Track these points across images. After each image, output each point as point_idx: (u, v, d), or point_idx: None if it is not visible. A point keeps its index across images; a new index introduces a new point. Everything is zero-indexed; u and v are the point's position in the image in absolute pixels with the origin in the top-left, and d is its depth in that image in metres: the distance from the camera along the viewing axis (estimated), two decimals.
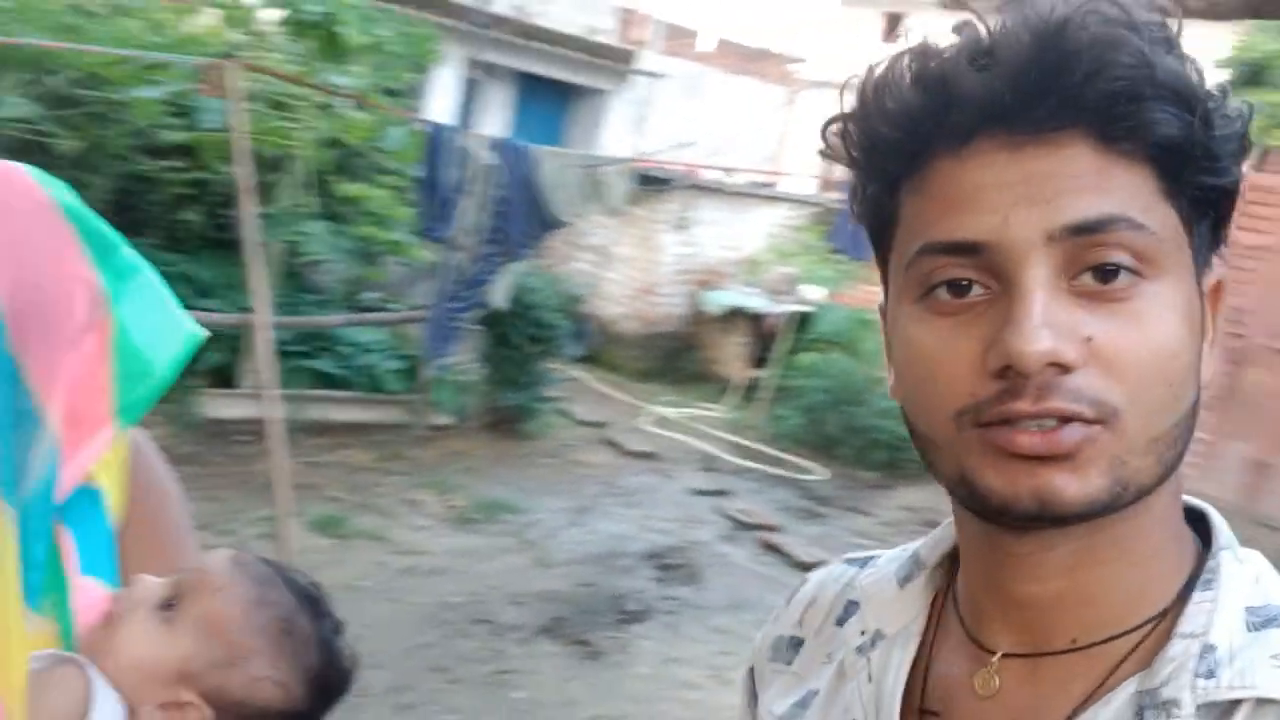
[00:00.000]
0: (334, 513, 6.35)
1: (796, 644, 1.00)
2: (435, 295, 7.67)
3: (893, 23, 21.47)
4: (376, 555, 6.00)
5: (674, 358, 12.11)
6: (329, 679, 1.15)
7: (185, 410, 7.38)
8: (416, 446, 8.01)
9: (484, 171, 7.09)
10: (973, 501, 0.74)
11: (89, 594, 1.10)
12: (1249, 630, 0.74)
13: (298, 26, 7.49)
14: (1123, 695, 0.75)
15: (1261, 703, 0.71)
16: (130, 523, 1.17)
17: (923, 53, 0.73)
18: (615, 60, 14.70)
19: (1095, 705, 0.75)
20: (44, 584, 0.99)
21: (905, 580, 0.93)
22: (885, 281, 0.80)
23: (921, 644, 0.89)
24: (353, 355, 8.46)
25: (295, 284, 8.97)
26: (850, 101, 0.77)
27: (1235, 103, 0.74)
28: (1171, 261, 0.71)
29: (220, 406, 7.56)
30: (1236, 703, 0.71)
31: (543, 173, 6.99)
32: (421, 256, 8.33)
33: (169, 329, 1.10)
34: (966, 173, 0.71)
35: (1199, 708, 0.72)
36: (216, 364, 7.93)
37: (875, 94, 0.74)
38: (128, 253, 1.09)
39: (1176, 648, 0.74)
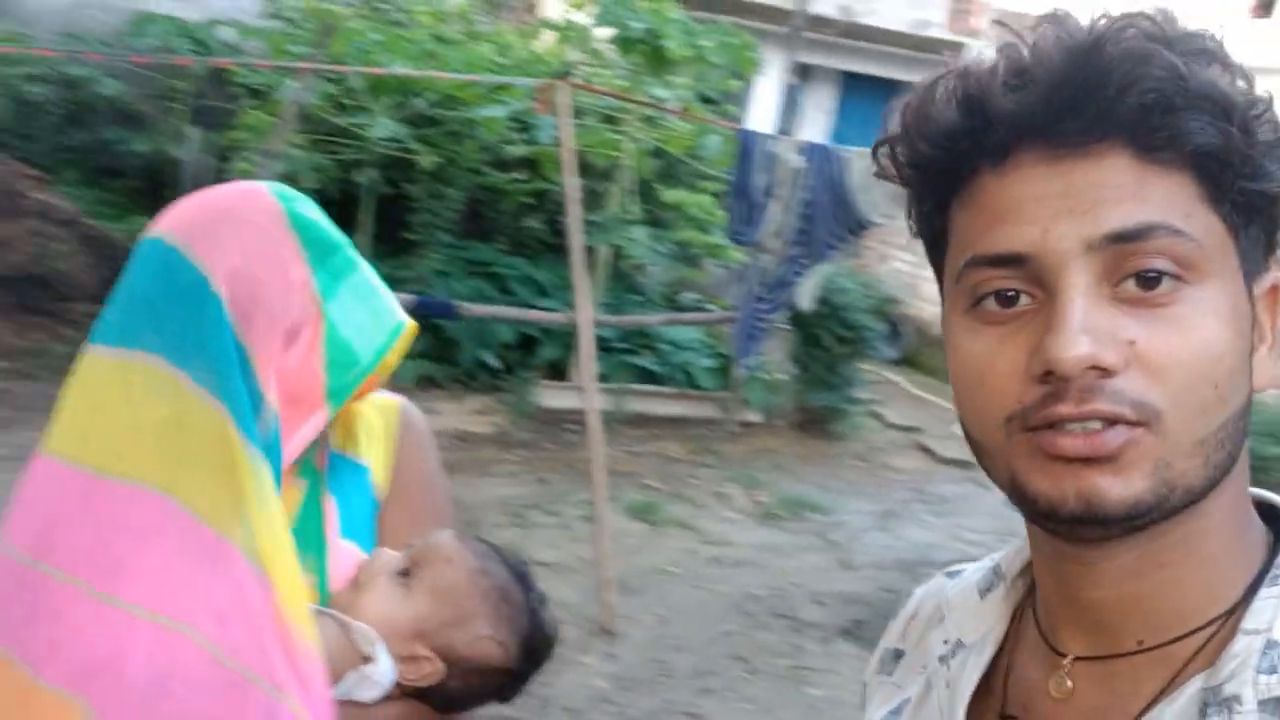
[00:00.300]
0: (648, 500, 6.66)
1: (898, 656, 1.02)
2: (743, 296, 7.83)
3: (1265, 5, 19.13)
4: (686, 543, 6.23)
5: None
6: (537, 644, 1.29)
7: (522, 400, 8.04)
8: (727, 442, 8.22)
9: (791, 175, 7.15)
10: (1023, 505, 0.74)
11: (346, 556, 1.28)
12: None
13: (625, 42, 7.93)
14: (1188, 693, 0.74)
15: None
16: (392, 497, 1.34)
17: (962, 74, 0.75)
18: (945, 53, 14.22)
19: (1162, 704, 0.75)
20: (300, 543, 1.16)
21: (986, 591, 0.95)
22: (942, 295, 0.81)
23: (1001, 651, 0.90)
24: (671, 353, 8.82)
25: (622, 285, 9.49)
26: (894, 123, 0.79)
27: None
28: (1215, 266, 0.71)
29: (553, 397, 8.14)
30: None
31: (851, 174, 6.92)
32: (738, 259, 8.53)
33: (375, 322, 1.22)
34: (1008, 187, 0.73)
35: (1261, 703, 0.70)
36: (551, 358, 8.58)
37: (917, 116, 0.76)
38: (347, 254, 1.22)
39: (1240, 644, 0.72)
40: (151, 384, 1.09)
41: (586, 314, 5.32)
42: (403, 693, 1.22)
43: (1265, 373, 0.77)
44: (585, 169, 9.04)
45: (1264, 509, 0.84)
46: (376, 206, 8.61)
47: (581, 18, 8.64)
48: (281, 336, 1.13)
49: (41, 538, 1.07)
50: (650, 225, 8.97)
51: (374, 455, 1.35)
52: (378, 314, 1.24)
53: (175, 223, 1.18)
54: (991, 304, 0.74)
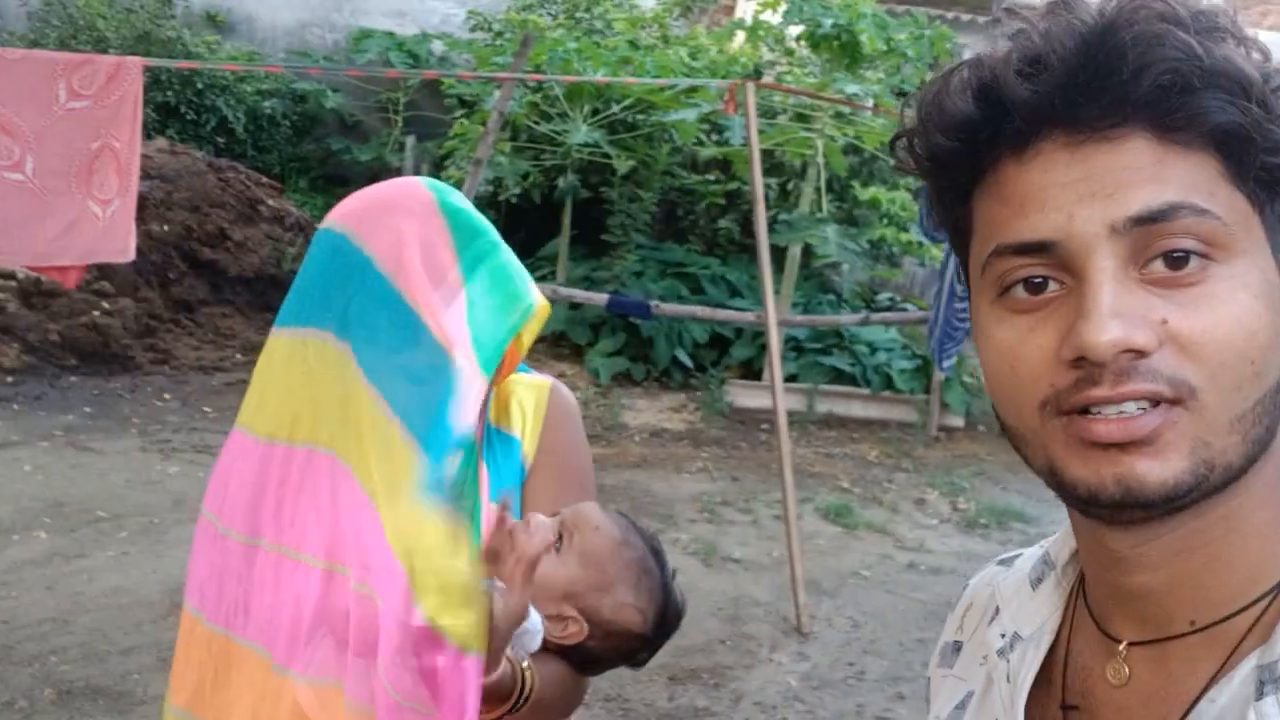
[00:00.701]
0: (842, 502, 6.59)
1: (958, 648, 1.00)
2: (938, 296, 7.61)
3: None
4: (880, 548, 6.12)
5: None
6: (669, 616, 1.37)
7: (715, 398, 8.11)
8: (925, 446, 8.01)
9: None
10: (1063, 492, 0.73)
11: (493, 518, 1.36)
12: None
13: (816, 39, 7.85)
14: (1244, 671, 0.71)
15: None
16: (538, 467, 1.43)
17: (975, 64, 0.73)
18: None
19: (1219, 684, 0.72)
20: (461, 495, 1.22)
21: (1037, 581, 0.92)
22: (969, 284, 0.79)
23: (1057, 641, 0.87)
24: (866, 354, 8.67)
25: (814, 285, 9.42)
26: (911, 116, 0.78)
27: None
28: (1242, 244, 0.69)
29: (745, 396, 8.17)
30: None
31: None
32: (936, 256, 8.30)
33: (509, 303, 1.29)
34: (1029, 174, 0.72)
35: None
36: (744, 358, 8.61)
37: (933, 108, 0.76)
38: (490, 239, 1.32)
39: None
40: (322, 357, 1.27)
41: (773, 313, 5.32)
42: (545, 649, 1.28)
43: None
44: (778, 168, 9.04)
45: None
46: (575, 210, 8.89)
47: (773, 17, 8.63)
48: (439, 304, 1.25)
49: (226, 503, 1.30)
50: (845, 223, 8.85)
51: (524, 430, 1.45)
52: (511, 296, 1.30)
53: (342, 214, 1.33)
54: (1020, 292, 0.73)
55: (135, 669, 3.93)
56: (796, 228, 7.91)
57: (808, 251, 8.63)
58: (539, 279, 9.02)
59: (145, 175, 8.24)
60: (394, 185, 1.37)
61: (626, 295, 7.37)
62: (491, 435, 1.42)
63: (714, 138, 8.59)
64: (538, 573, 1.21)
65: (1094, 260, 0.69)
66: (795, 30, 8.41)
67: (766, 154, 7.60)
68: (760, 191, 5.02)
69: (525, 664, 1.24)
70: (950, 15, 10.97)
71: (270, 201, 9.29)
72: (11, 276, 7.39)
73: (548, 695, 1.27)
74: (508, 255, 1.34)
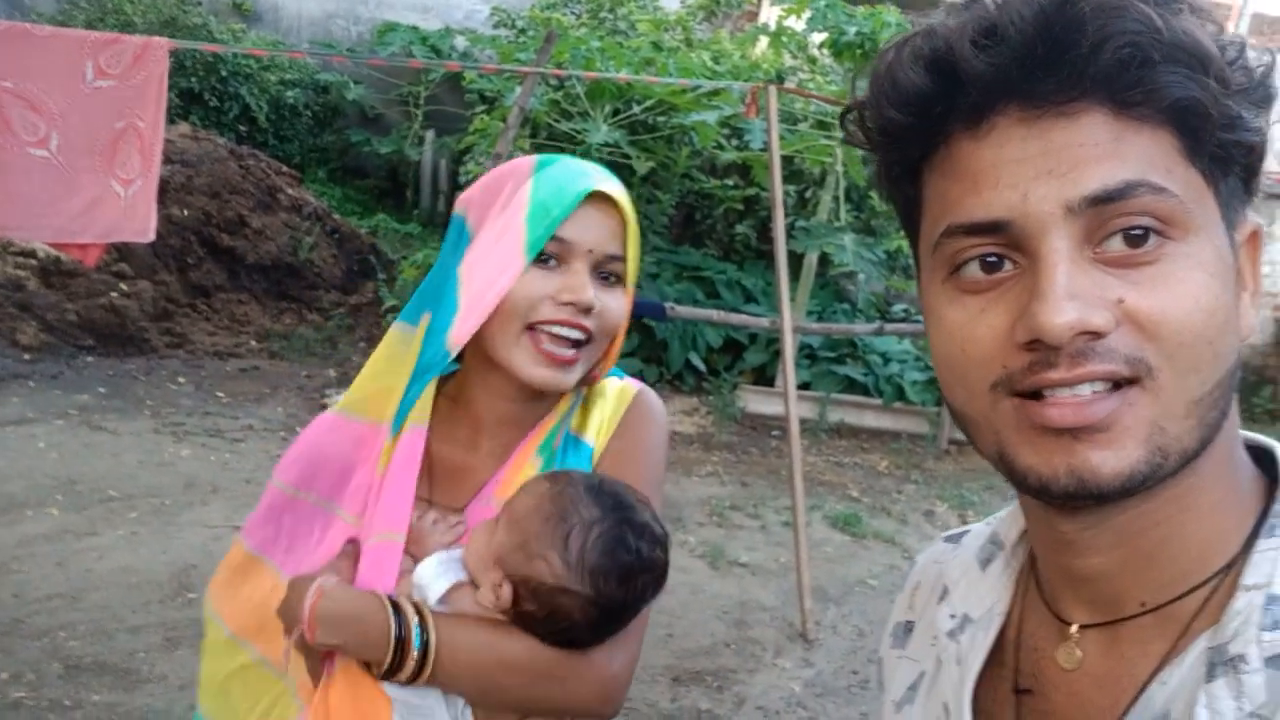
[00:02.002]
0: (851, 511, 6.57)
1: (909, 628, 0.99)
2: None
3: None
4: (888, 558, 6.10)
5: (1244, 393, 10.62)
6: (609, 567, 1.23)
7: (727, 403, 8.10)
8: (935, 458, 7.98)
9: None
10: (1013, 480, 0.71)
11: None
12: None
13: (839, 46, 7.85)
14: (1194, 653, 0.70)
15: None
16: (599, 466, 1.42)
17: (929, 34, 0.70)
18: None
19: (1170, 666, 0.71)
20: None
21: (986, 562, 0.91)
22: (918, 263, 0.77)
23: (1008, 623, 0.86)
24: (879, 364, 8.65)
25: (830, 293, 9.41)
26: (863, 88, 0.75)
27: (1255, 55, 0.67)
28: (1198, 220, 0.67)
29: (757, 402, 8.16)
30: None
31: None
32: None
33: (572, 182, 1.34)
34: (985, 150, 0.70)
35: (1267, 660, 0.66)
36: (757, 363, 8.61)
37: (885, 80, 0.73)
38: (574, 160, 1.39)
39: (1241, 601, 0.69)
40: (410, 342, 1.38)
41: (789, 320, 5.31)
42: (513, 624, 1.26)
43: (1247, 321, 0.73)
44: (797, 175, 9.04)
45: (1257, 453, 0.78)
46: None
47: (797, 23, 8.62)
48: (497, 208, 1.33)
49: (304, 471, 1.42)
50: (862, 233, 8.84)
51: (599, 437, 1.44)
52: (602, 176, 1.34)
53: (464, 196, 1.43)
54: (973, 271, 0.71)
55: (142, 647, 3.94)
56: (814, 235, 7.90)
57: (824, 260, 8.61)
58: None
59: (167, 159, 8.28)
60: (506, 164, 1.42)
61: (642, 297, 7.37)
62: (569, 443, 1.43)
63: (734, 142, 8.58)
64: (474, 549, 1.27)
65: (1049, 241, 0.67)
66: (818, 38, 8.40)
67: (786, 161, 7.59)
68: (779, 197, 5.01)
69: (414, 623, 1.23)
70: None
71: (289, 190, 9.32)
72: (32, 255, 7.44)
73: (503, 669, 1.25)
74: (596, 168, 1.38)
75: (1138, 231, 0.66)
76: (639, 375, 8.32)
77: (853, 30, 7.66)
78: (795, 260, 7.85)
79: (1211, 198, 0.69)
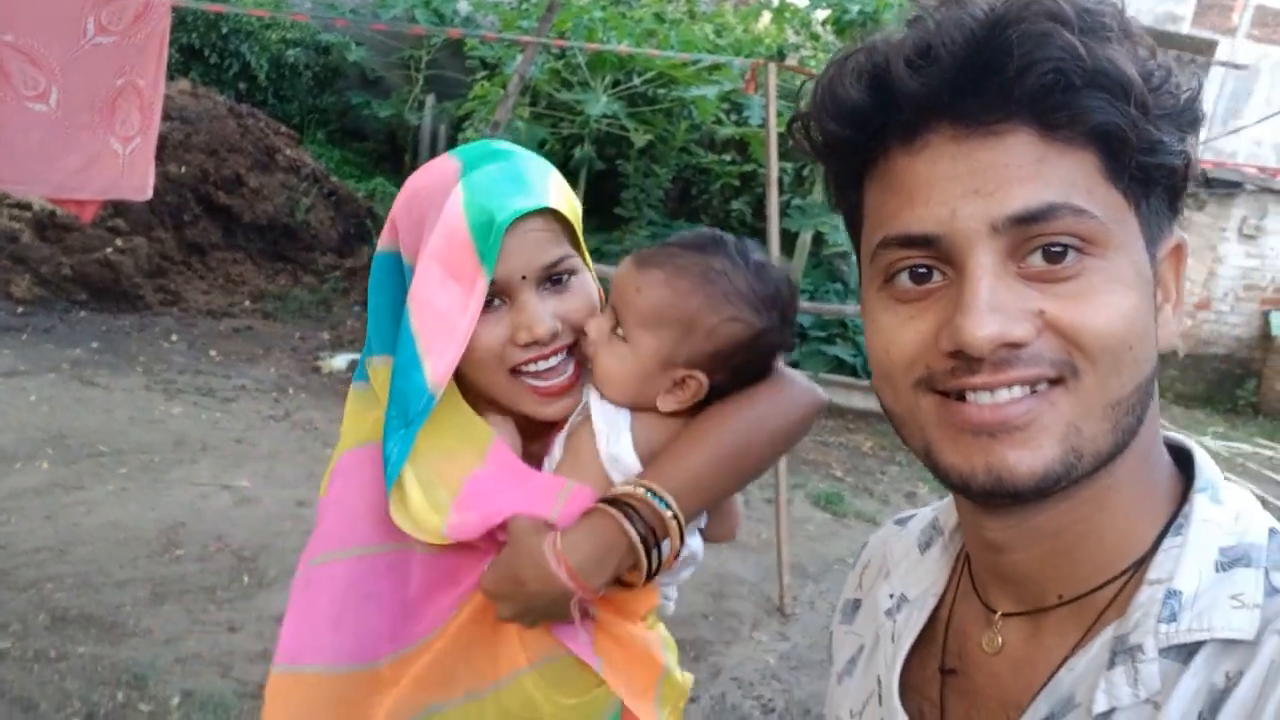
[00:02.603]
0: (834, 490, 6.64)
1: (857, 605, 1.04)
2: None
3: None
4: (868, 536, 6.18)
5: (1228, 385, 10.75)
6: (768, 294, 1.24)
7: None
8: None
9: None
10: (938, 476, 0.75)
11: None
12: (1217, 571, 0.72)
13: (842, 24, 7.84)
14: (1100, 642, 0.75)
15: (1227, 643, 0.68)
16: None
17: (870, 50, 0.74)
18: (1190, 51, 13.27)
19: (1078, 653, 0.76)
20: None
21: (926, 546, 0.96)
22: (860, 268, 0.80)
23: (941, 605, 0.91)
24: None
25: (822, 273, 9.43)
26: (807, 100, 0.78)
27: (1184, 79, 0.70)
28: (1117, 238, 0.70)
29: None
30: (1200, 644, 0.69)
31: None
32: None
33: (517, 191, 1.22)
34: (918, 165, 0.73)
35: (1161, 651, 0.71)
36: None
37: (826, 93, 0.76)
38: (509, 154, 1.26)
39: (1144, 594, 0.73)
40: (372, 394, 1.33)
41: None
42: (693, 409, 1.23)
43: (1169, 332, 0.77)
44: (794, 153, 9.02)
45: (1177, 453, 0.83)
46: (590, 181, 8.90)
47: (800, 0, 8.61)
48: (429, 236, 1.19)
49: (352, 522, 1.29)
50: None
51: None
52: (523, 188, 1.22)
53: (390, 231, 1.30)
54: (904, 280, 0.75)
55: (128, 601, 3.99)
56: (809, 214, 7.92)
57: (818, 239, 8.64)
58: None
59: (166, 116, 8.25)
60: (428, 176, 1.28)
61: None
62: None
63: (733, 117, 8.58)
64: (623, 373, 1.22)
65: (974, 256, 0.70)
66: (822, 14, 8.39)
67: (783, 138, 7.59)
68: (775, 175, 5.04)
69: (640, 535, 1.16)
70: None
71: (287, 151, 9.30)
72: (27, 207, 7.44)
73: (743, 442, 1.22)
74: (531, 165, 1.27)
75: (1058, 248, 0.70)
76: None
77: (855, 9, 7.65)
78: (790, 238, 7.88)
79: (1133, 216, 0.73)
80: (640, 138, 8.36)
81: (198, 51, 10.38)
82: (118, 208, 7.47)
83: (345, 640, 1.23)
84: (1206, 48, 13.43)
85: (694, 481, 1.19)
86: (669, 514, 1.16)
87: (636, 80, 8.41)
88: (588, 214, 8.63)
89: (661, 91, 8.45)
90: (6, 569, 4.08)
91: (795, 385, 1.30)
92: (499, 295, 1.22)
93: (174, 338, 7.31)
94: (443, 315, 1.18)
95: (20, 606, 3.84)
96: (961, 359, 0.71)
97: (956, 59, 0.70)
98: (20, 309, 7.04)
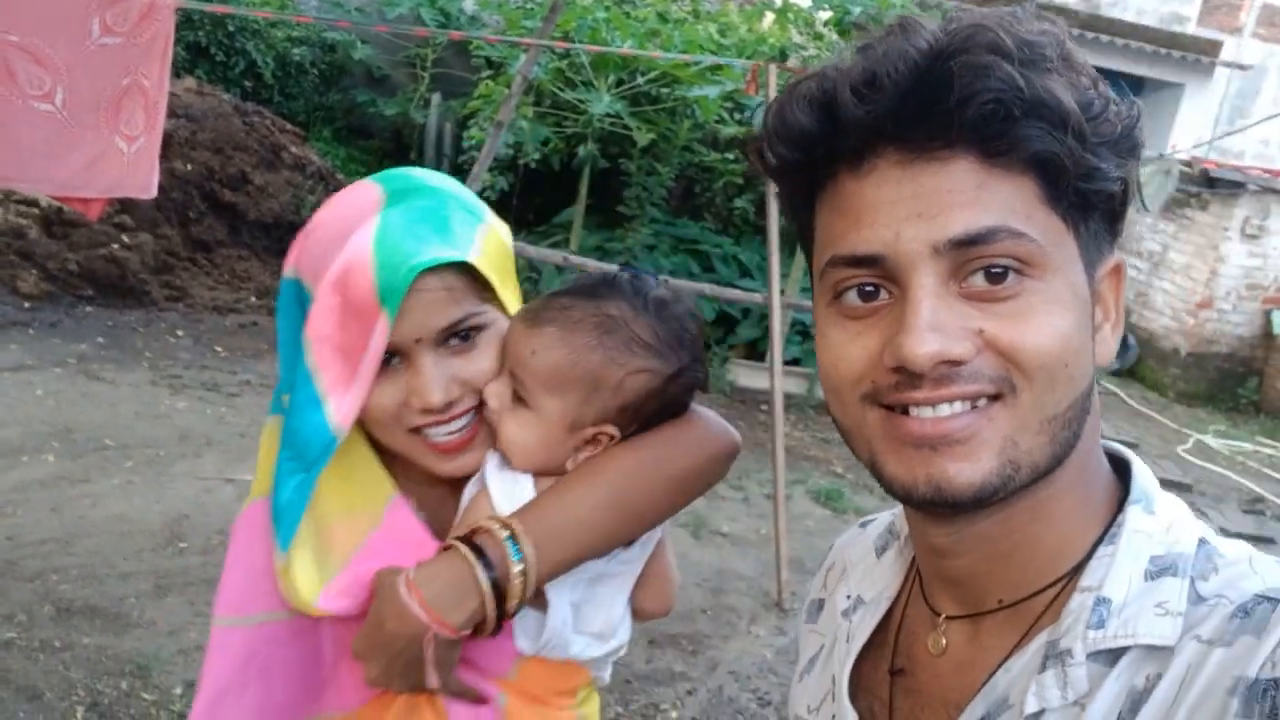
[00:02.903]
0: (834, 487, 6.68)
1: (820, 605, 1.07)
2: None
3: None
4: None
5: (1230, 383, 10.75)
6: (673, 334, 1.16)
7: (718, 376, 8.18)
8: None
9: None
10: (883, 485, 0.79)
11: None
12: (1146, 580, 0.75)
13: (844, 25, 7.86)
14: (1034, 646, 0.78)
15: (1151, 648, 0.72)
16: None
17: (821, 77, 0.78)
18: (1196, 51, 13.25)
19: (1015, 656, 0.80)
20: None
21: (882, 549, 1.00)
22: (813, 285, 0.83)
23: (894, 607, 0.94)
24: None
25: None
26: (761, 124, 0.82)
27: (1122, 108, 0.73)
28: (1055, 261, 0.73)
29: (747, 376, 8.25)
30: (1126, 649, 0.73)
31: None
32: None
33: (441, 239, 1.12)
34: (865, 188, 0.76)
35: (1090, 656, 0.74)
36: (750, 338, 8.68)
37: (777, 118, 0.80)
38: (433, 192, 1.17)
39: (1075, 601, 0.77)
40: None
41: (778, 296, 5.38)
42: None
43: (1106, 350, 0.81)
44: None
45: (1119, 462, 0.86)
46: (593, 179, 8.94)
47: (803, 0, 8.63)
48: (332, 255, 1.10)
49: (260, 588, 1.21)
50: None
51: None
52: (443, 235, 1.12)
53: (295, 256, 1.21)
54: (852, 298, 0.78)
55: (132, 593, 4.05)
56: None
57: None
58: (552, 246, 8.89)
59: (172, 114, 8.31)
60: (345, 202, 1.18)
61: (636, 268, 7.43)
62: None
63: (736, 116, 8.61)
64: (528, 441, 1.14)
65: (916, 276, 0.74)
66: (825, 15, 8.41)
67: None
68: None
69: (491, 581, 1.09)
70: (979, 8, 10.91)
71: (293, 149, 9.35)
72: (34, 204, 7.50)
73: (635, 486, 1.14)
74: (458, 210, 1.17)
75: (998, 270, 0.73)
76: None
77: (858, 9, 7.68)
78: (791, 237, 7.91)
79: (1071, 239, 0.76)
80: (643, 136, 8.39)
81: (204, 49, 10.44)
82: (124, 205, 7.53)
83: (248, 712, 1.17)
84: (1212, 48, 13.40)
85: (571, 523, 1.11)
86: (516, 569, 1.08)
87: (640, 79, 8.44)
88: (590, 212, 8.60)
89: (665, 91, 8.48)
90: (13, 560, 4.14)
91: (705, 426, 1.22)
92: (395, 354, 1.13)
93: (179, 333, 7.37)
94: (345, 352, 1.08)
95: (26, 597, 3.90)
96: (904, 375, 0.74)
97: (900, 88, 0.73)
98: (27, 304, 7.10)
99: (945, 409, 0.74)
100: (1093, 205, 0.76)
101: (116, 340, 6.97)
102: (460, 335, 1.15)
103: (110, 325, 7.19)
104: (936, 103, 0.72)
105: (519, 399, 1.15)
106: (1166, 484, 5.63)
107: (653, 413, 1.18)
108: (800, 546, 5.48)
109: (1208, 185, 10.28)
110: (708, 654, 4.43)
